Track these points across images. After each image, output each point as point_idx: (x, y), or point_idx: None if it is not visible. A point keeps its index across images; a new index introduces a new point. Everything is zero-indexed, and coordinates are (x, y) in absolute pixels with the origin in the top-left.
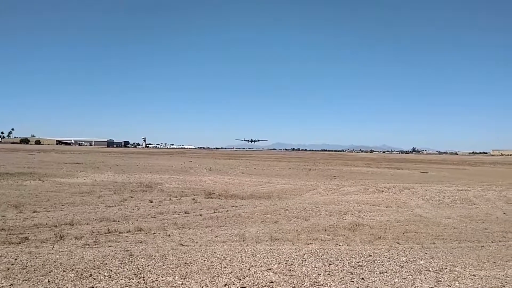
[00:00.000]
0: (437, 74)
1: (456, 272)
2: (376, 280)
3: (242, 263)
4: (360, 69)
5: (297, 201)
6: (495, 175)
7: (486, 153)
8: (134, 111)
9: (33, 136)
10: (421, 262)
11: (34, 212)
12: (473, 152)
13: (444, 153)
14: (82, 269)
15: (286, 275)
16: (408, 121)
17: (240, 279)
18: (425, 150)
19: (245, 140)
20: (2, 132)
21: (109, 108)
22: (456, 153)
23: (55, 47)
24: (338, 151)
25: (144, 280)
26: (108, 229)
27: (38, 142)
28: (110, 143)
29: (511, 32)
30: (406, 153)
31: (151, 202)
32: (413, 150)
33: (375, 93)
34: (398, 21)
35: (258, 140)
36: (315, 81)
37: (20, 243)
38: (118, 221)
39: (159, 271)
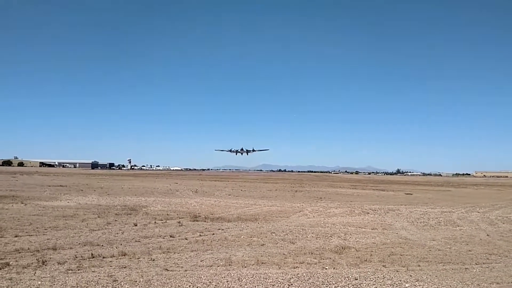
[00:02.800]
0: (421, 97)
1: None
2: None
3: None
4: (345, 92)
5: (283, 224)
6: (478, 197)
7: (469, 174)
8: (119, 132)
9: (16, 158)
10: (407, 285)
11: (16, 236)
12: (456, 173)
13: (428, 174)
14: None
15: None
16: (393, 142)
17: None
18: (410, 172)
19: (231, 151)
20: None
21: (94, 129)
22: (440, 175)
23: (38, 69)
24: (324, 172)
25: None
26: (92, 254)
27: (21, 164)
28: (94, 165)
29: (494, 59)
30: (391, 174)
31: (136, 225)
32: (398, 172)
33: (360, 115)
34: (383, 47)
35: (253, 150)
36: (301, 104)
37: (1, 268)
38: (102, 246)
39: None
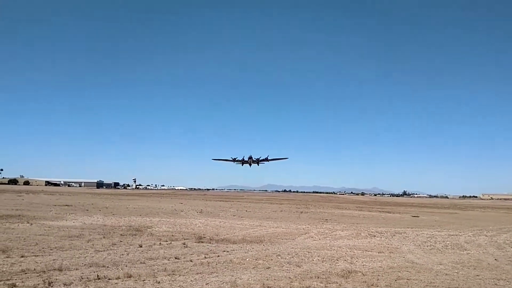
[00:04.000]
0: (428, 118)
1: None
2: None
3: None
4: (351, 113)
5: (289, 246)
6: (485, 220)
7: (476, 197)
8: (124, 151)
9: (22, 176)
10: None
11: (22, 256)
12: (463, 196)
13: (434, 196)
14: None
15: None
16: (399, 164)
17: None
18: (416, 194)
19: (235, 160)
20: None
21: (99, 148)
22: (446, 197)
23: (43, 87)
24: (329, 193)
25: None
26: (98, 275)
27: (27, 183)
28: (99, 184)
29: (501, 81)
30: (397, 196)
31: (141, 246)
32: (404, 193)
33: (367, 136)
34: (389, 68)
35: (266, 160)
36: (305, 123)
37: None
38: (108, 267)
39: None
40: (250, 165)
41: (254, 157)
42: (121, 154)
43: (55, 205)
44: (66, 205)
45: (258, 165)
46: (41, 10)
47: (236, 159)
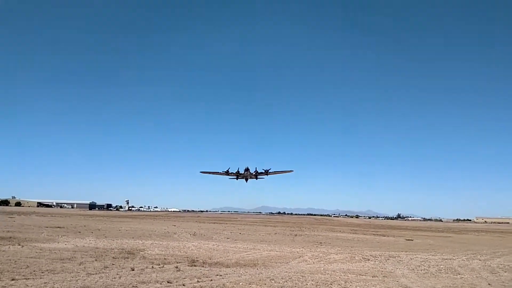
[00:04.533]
0: (422, 140)
1: None
2: None
3: None
4: (345, 136)
5: (283, 270)
6: (479, 244)
7: (470, 220)
8: (117, 172)
9: (13, 197)
10: None
11: (12, 279)
12: (457, 219)
13: (429, 219)
14: None
15: None
16: (394, 186)
17: None
18: (410, 217)
19: (228, 173)
20: None
21: (92, 169)
22: (440, 220)
23: (34, 108)
24: (323, 215)
25: None
26: None
27: (18, 204)
28: (92, 206)
29: (493, 103)
30: (391, 219)
31: (133, 270)
32: (398, 216)
33: (361, 159)
34: (378, 94)
35: (266, 173)
36: (300, 145)
37: None
38: None
39: None
40: (246, 179)
41: (252, 170)
42: (114, 175)
43: (47, 227)
44: (58, 227)
45: (257, 179)
46: None
47: (230, 172)
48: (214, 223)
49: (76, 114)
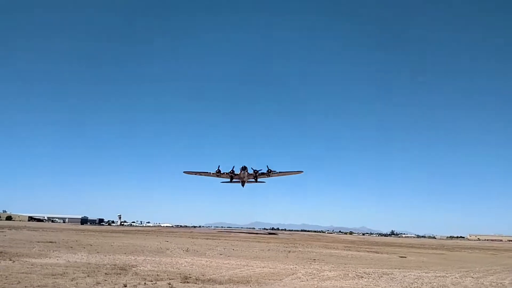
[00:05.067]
0: (416, 157)
1: None
2: None
3: None
4: (340, 150)
5: (276, 287)
6: (472, 261)
7: (464, 237)
8: (110, 186)
9: (4, 211)
10: None
11: None
12: (450, 236)
13: (422, 236)
14: None
15: None
16: (388, 203)
17: None
18: (404, 233)
19: (220, 173)
20: None
21: (84, 183)
22: (434, 237)
23: (26, 120)
24: (317, 231)
25: None
26: None
27: (9, 218)
28: (84, 220)
29: (485, 121)
30: (385, 235)
31: (125, 286)
32: (392, 233)
33: (356, 175)
34: (372, 108)
35: (269, 172)
36: (294, 160)
37: None
38: None
39: None
40: (243, 183)
41: (251, 169)
42: (107, 189)
43: (39, 242)
44: (49, 242)
45: (256, 181)
46: None
47: (222, 172)
48: (207, 238)
49: (68, 127)
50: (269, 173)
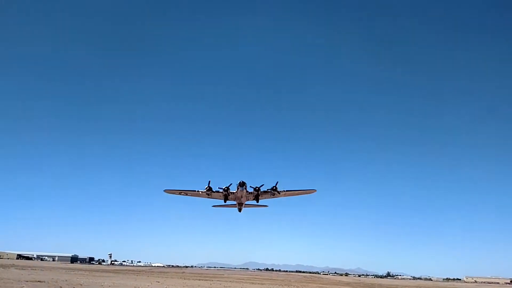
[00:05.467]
0: (412, 200)
1: None
2: None
3: None
4: (334, 192)
5: None
6: None
7: (460, 279)
8: (100, 224)
9: None
10: None
11: None
12: (447, 278)
13: (418, 278)
14: None
15: None
16: (383, 244)
17: None
18: (400, 275)
19: (211, 192)
20: None
21: (74, 221)
22: (430, 279)
23: (13, 153)
24: (313, 272)
25: None
26: None
27: None
28: (74, 259)
29: (485, 156)
30: (381, 277)
31: None
32: (388, 275)
33: (351, 214)
34: (363, 144)
35: (273, 192)
36: (289, 199)
37: None
38: None
39: None
40: (240, 206)
41: (250, 186)
42: (97, 227)
43: (27, 281)
44: (38, 281)
45: (257, 202)
46: None
47: (213, 190)
48: (200, 279)
49: (58, 161)
50: (274, 191)
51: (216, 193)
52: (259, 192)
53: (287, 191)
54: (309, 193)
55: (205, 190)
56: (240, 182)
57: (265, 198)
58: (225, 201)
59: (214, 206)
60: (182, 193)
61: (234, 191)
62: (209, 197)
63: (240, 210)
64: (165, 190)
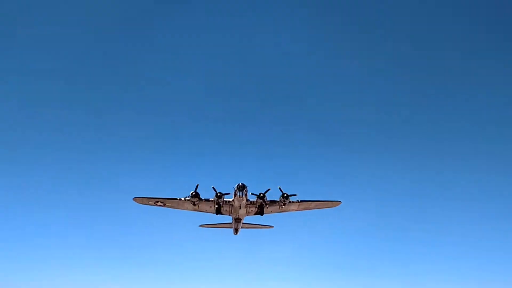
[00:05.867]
0: (409, 254)
1: None
2: None
3: None
4: (330, 236)
5: None
6: None
7: None
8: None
9: None
10: None
11: None
12: None
13: None
14: None
15: None
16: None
17: None
18: None
19: (199, 200)
20: None
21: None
22: None
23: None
24: None
25: None
26: None
27: None
28: None
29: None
30: None
31: None
32: None
33: (348, 256)
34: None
35: (286, 201)
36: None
37: None
38: None
39: None
40: (237, 223)
41: (252, 194)
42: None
43: None
44: None
45: (262, 214)
46: None
47: (200, 198)
48: None
49: (50, 211)
50: (284, 200)
51: (205, 202)
52: (265, 200)
53: (301, 201)
54: (332, 207)
55: (189, 198)
56: (238, 185)
57: (271, 211)
58: (217, 214)
59: (202, 225)
60: (158, 203)
61: (230, 200)
62: (195, 209)
63: (236, 230)
64: (134, 198)
